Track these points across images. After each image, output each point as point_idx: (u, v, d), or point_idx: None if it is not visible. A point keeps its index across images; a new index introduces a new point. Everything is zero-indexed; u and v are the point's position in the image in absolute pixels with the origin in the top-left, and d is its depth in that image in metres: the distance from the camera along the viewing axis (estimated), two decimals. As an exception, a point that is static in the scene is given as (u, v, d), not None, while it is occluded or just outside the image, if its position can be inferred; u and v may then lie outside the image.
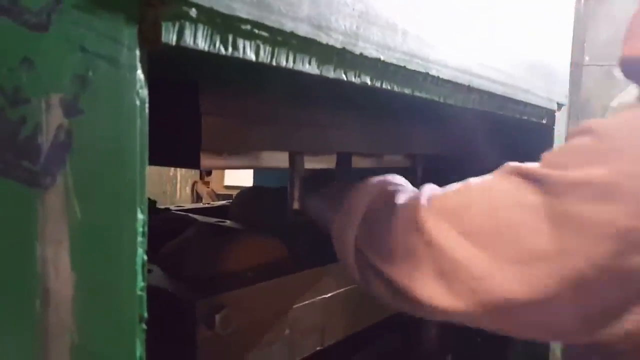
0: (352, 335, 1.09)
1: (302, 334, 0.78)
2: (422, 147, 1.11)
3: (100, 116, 0.37)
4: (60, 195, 0.35)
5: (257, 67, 0.52)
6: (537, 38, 1.08)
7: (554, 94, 1.15)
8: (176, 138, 0.66)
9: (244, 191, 1.25)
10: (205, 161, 0.71)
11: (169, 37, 0.41)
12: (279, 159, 0.81)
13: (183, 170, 3.23)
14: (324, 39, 0.54)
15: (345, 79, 0.60)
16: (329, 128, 0.84)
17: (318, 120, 0.82)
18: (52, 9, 0.34)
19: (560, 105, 1.20)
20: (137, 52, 0.39)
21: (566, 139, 0.59)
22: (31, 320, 0.34)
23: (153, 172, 3.37)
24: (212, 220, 1.06)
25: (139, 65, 0.39)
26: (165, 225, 0.97)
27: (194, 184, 2.86)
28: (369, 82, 0.63)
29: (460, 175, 1.30)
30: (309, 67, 0.54)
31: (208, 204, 1.58)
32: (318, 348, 0.81)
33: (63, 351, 0.35)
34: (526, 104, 1.04)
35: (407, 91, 0.70)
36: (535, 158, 1.19)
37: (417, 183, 1.18)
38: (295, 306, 0.76)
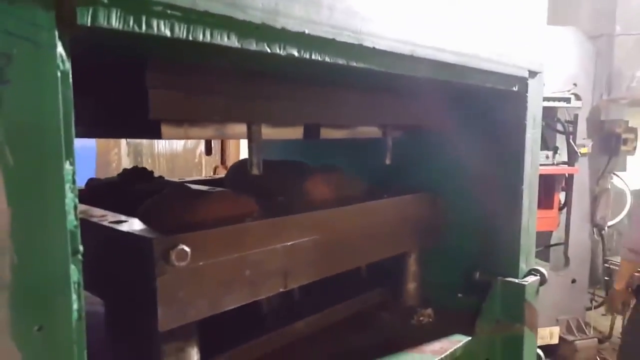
0: (334, 288, 1.18)
1: (264, 276, 0.87)
2: (392, 118, 1.17)
3: (25, 84, 0.46)
4: (-7, 146, 0.45)
5: (204, 45, 0.60)
6: (502, 6, 1.10)
7: (523, 62, 1.17)
8: (135, 112, 0.76)
9: (234, 164, 1.35)
10: (167, 132, 0.80)
11: (85, 19, 0.50)
12: (239, 131, 0.89)
13: (206, 157, 3.39)
14: (240, 15, 0.61)
15: (269, 51, 0.67)
16: (286, 100, 0.92)
17: (275, 93, 0.89)
18: (-21, 1, 0.44)
19: (534, 73, 1.22)
20: (56, 33, 0.48)
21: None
22: (-27, 241, 0.44)
23: (181, 159, 3.55)
24: (205, 187, 1.16)
25: (58, 43, 0.49)
26: (155, 188, 1.08)
27: (216, 167, 3.03)
28: (296, 54, 0.70)
29: (427, 144, 1.35)
30: (228, 41, 0.62)
31: (209, 176, 1.70)
32: (281, 290, 0.90)
33: (4, 267, 0.46)
34: (488, 72, 1.07)
35: (341, 62, 0.76)
36: (507, 125, 1.23)
37: (387, 153, 1.24)
38: (255, 250, 0.85)
